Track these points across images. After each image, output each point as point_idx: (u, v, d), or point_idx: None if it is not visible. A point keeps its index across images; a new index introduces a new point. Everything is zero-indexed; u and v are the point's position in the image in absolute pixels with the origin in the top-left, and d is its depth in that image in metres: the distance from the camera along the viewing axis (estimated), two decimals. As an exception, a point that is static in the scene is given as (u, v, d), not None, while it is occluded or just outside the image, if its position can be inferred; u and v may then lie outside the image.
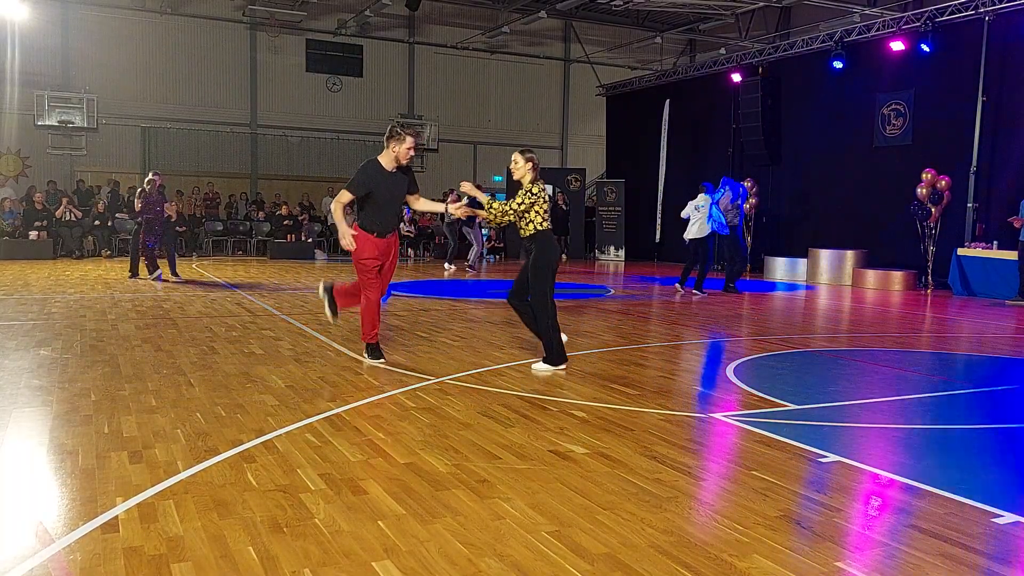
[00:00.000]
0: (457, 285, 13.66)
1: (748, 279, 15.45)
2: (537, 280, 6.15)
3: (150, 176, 13.08)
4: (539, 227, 6.14)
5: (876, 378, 6.46)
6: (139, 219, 13.07)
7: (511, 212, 6.14)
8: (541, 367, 6.24)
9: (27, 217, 18.09)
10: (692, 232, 12.28)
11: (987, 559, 2.99)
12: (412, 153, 6.12)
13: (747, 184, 13.19)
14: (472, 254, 16.80)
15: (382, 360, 6.45)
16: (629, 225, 21.91)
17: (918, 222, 14.16)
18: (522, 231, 6.21)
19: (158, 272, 13.15)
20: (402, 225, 18.99)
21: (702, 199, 12.18)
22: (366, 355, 6.49)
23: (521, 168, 6.17)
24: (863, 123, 16.21)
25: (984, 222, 14.02)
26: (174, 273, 13.35)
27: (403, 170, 6.21)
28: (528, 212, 6.11)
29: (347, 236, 6.09)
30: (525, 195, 6.11)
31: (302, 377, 5.92)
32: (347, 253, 6.33)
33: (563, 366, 6.27)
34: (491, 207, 6.23)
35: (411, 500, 3.48)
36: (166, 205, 13.42)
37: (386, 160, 6.10)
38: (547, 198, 6.23)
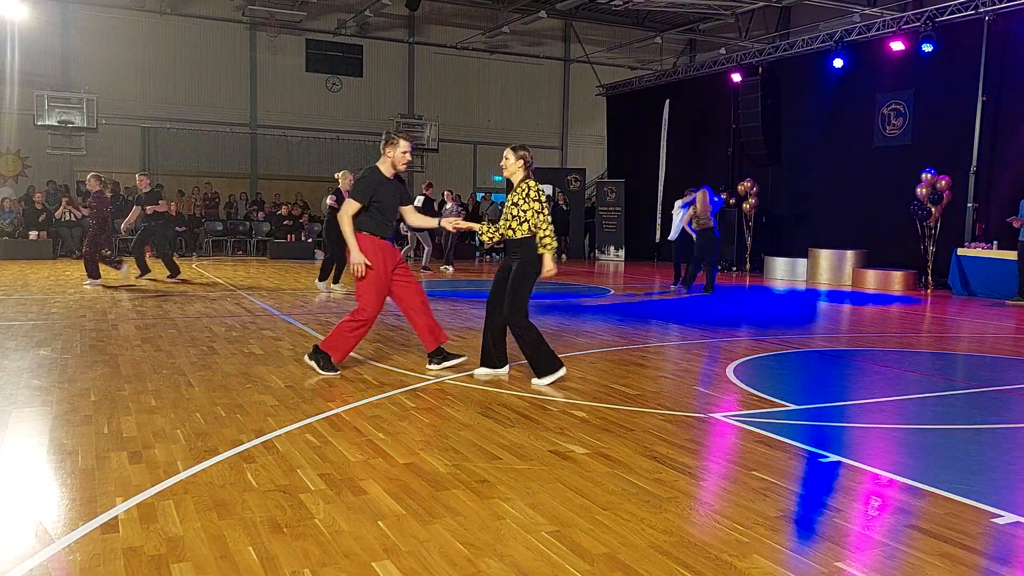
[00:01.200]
0: (457, 285, 13.66)
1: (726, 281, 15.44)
2: (521, 286, 5.75)
3: (95, 176, 12.35)
4: (532, 230, 5.75)
5: (876, 378, 6.46)
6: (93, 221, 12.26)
7: (514, 219, 5.71)
8: (538, 381, 5.80)
9: (27, 217, 18.09)
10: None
11: (987, 559, 2.99)
12: (408, 157, 5.99)
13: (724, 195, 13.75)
14: (425, 256, 16.54)
15: (336, 373, 6.00)
16: (629, 225, 21.91)
17: (918, 222, 14.16)
18: (512, 232, 5.76)
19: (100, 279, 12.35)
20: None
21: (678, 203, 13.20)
22: (320, 367, 6.02)
23: (512, 165, 5.79)
24: (863, 123, 16.21)
25: (984, 222, 14.02)
26: (142, 267, 12.96)
27: (399, 179, 6.13)
28: (525, 212, 5.71)
29: (357, 254, 5.76)
30: (523, 196, 5.72)
31: (302, 377, 5.91)
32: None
33: (562, 371, 5.86)
34: (484, 231, 5.95)
35: (411, 500, 3.48)
36: (167, 204, 13.20)
37: (384, 167, 6.01)
38: (542, 198, 5.80)
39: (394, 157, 5.96)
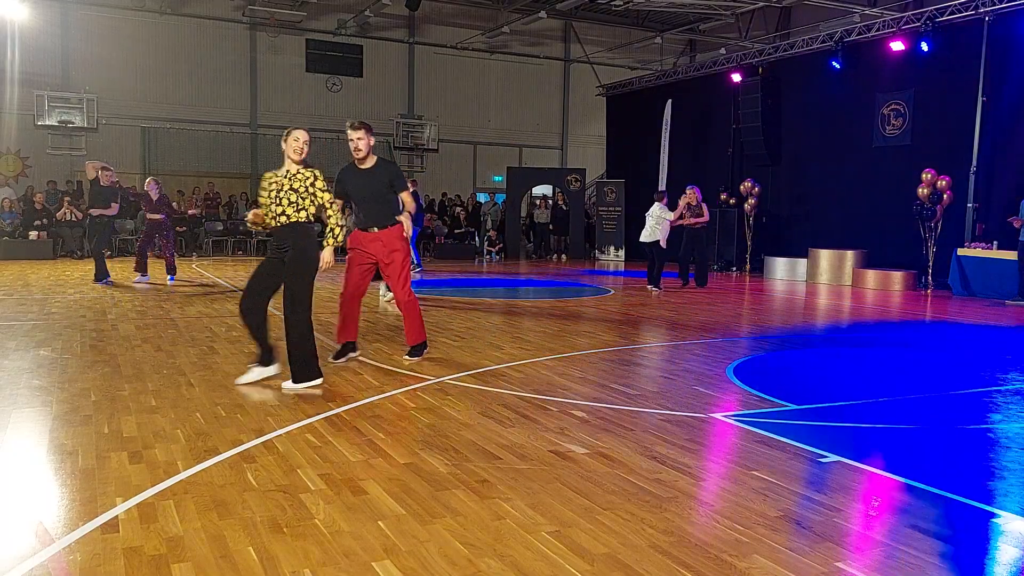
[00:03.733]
0: (457, 284, 13.65)
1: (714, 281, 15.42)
2: (296, 282, 5.42)
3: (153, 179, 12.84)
4: (291, 219, 5.42)
5: (876, 378, 6.46)
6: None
7: (290, 205, 5.48)
8: (289, 385, 5.45)
9: (27, 217, 18.08)
10: (644, 236, 13.76)
11: (987, 559, 2.99)
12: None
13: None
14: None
15: (342, 361, 6.54)
16: (629, 225, 21.90)
17: (921, 223, 14.14)
18: (271, 222, 5.46)
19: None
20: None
21: (658, 208, 13.50)
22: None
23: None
24: (863, 123, 16.19)
25: (984, 222, 14.01)
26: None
27: (377, 169, 6.67)
28: (279, 202, 5.44)
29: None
30: (308, 182, 5.57)
31: (302, 377, 5.91)
32: (345, 252, 6.47)
33: (318, 380, 5.52)
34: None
35: (411, 500, 3.48)
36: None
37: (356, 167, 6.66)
38: (286, 183, 5.50)
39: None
